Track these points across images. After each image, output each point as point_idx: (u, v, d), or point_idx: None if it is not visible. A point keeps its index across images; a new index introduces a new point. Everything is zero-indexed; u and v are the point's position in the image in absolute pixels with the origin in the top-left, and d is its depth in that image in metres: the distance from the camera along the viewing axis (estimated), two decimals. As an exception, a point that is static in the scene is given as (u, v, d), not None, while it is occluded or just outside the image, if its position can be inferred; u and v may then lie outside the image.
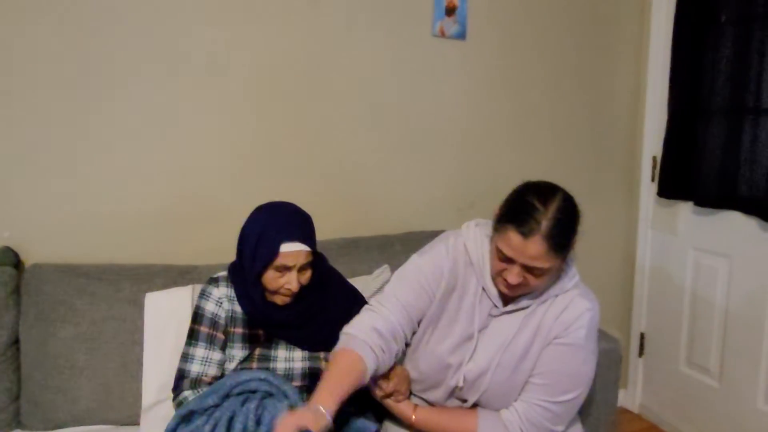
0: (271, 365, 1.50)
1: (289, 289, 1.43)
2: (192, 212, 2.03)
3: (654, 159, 2.63)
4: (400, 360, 1.54)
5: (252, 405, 1.33)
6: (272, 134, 2.11)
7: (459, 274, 1.43)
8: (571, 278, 1.39)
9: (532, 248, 1.21)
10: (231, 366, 1.49)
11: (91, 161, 1.90)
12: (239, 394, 1.38)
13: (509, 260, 1.26)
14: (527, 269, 1.25)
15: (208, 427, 1.32)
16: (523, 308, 1.38)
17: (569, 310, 1.35)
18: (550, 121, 2.56)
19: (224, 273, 1.56)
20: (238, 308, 1.52)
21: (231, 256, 1.55)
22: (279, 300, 1.47)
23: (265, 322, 1.51)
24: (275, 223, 1.43)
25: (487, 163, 2.46)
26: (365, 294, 1.72)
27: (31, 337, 1.69)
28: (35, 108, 1.82)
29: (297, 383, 1.49)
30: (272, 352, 1.51)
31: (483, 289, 1.40)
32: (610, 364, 1.77)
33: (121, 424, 1.71)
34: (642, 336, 2.77)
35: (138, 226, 1.97)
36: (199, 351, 1.50)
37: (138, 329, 1.72)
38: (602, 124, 2.67)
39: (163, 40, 1.93)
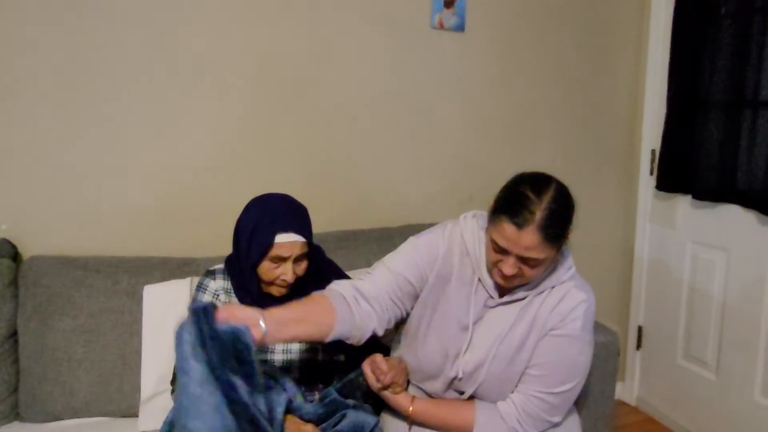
0: (269, 356, 1.50)
1: (284, 280, 1.43)
2: (190, 205, 2.03)
3: (653, 152, 2.63)
4: (393, 343, 1.55)
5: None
6: (270, 128, 2.10)
7: (454, 262, 1.43)
8: (567, 269, 1.39)
9: (526, 239, 1.21)
10: (229, 358, 1.49)
11: (90, 154, 1.89)
12: None
13: (504, 251, 1.26)
14: (522, 260, 1.25)
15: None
16: (519, 299, 1.38)
17: (565, 301, 1.36)
18: (549, 113, 2.55)
19: (221, 266, 1.56)
20: (234, 300, 1.52)
21: (229, 248, 1.55)
22: (275, 291, 1.47)
23: (262, 314, 1.51)
24: (270, 213, 1.43)
25: (486, 156, 2.45)
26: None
27: (29, 330, 1.69)
28: (33, 101, 1.82)
29: (295, 375, 1.50)
30: (270, 345, 1.51)
31: (479, 279, 1.40)
32: (607, 357, 1.77)
33: (120, 416, 1.72)
34: (640, 329, 2.77)
35: (136, 219, 1.97)
36: (197, 343, 1.51)
37: (136, 321, 1.73)
38: (601, 117, 2.67)
39: (162, 36, 1.92)
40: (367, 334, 1.39)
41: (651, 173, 2.65)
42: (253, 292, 1.47)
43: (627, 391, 2.84)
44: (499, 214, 1.25)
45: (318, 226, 1.52)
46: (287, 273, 1.43)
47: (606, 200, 2.75)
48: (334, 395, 1.44)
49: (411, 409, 1.42)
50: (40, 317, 1.69)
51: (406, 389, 1.50)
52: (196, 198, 2.03)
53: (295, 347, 1.53)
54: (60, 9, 1.80)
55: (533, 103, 2.51)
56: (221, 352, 1.11)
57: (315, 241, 1.57)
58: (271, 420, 1.31)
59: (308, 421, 1.40)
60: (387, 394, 1.45)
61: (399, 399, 1.44)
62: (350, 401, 1.46)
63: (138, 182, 1.96)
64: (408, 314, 1.49)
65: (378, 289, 1.40)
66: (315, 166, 2.18)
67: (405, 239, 1.51)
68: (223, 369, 1.11)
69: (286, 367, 1.51)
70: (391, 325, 1.46)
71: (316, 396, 1.51)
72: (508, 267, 1.26)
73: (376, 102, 2.24)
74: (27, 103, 1.81)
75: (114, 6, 1.85)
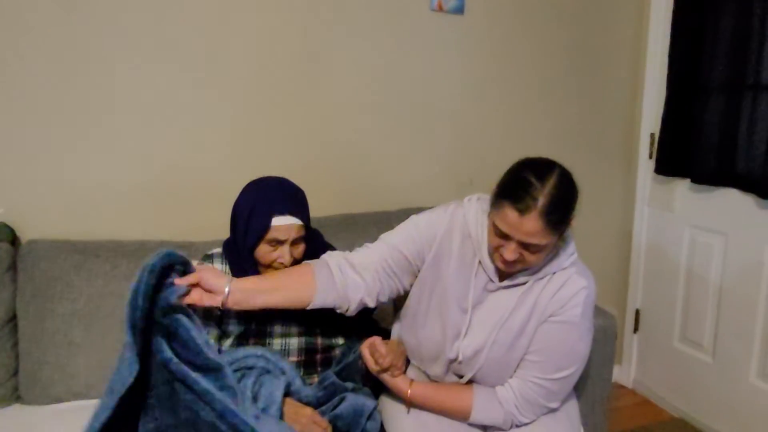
0: (268, 341, 1.51)
1: (282, 263, 1.43)
2: (189, 189, 2.02)
3: (652, 136, 2.62)
4: (386, 316, 1.55)
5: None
6: (269, 111, 2.09)
7: (454, 243, 1.43)
8: (569, 256, 1.38)
9: (529, 225, 1.21)
10: (227, 342, 1.49)
11: (88, 138, 1.88)
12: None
13: (506, 236, 1.25)
14: (523, 245, 1.25)
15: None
16: (519, 284, 1.38)
17: (566, 287, 1.36)
18: (549, 96, 2.54)
19: (218, 250, 1.56)
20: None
21: (227, 232, 1.54)
22: (273, 275, 1.47)
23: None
24: (267, 196, 1.43)
25: (485, 139, 2.44)
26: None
27: (29, 314, 1.69)
28: (30, 84, 1.80)
29: (293, 359, 1.51)
30: (268, 328, 1.52)
31: (479, 262, 1.40)
32: (605, 341, 1.78)
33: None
34: (637, 312, 2.79)
35: (135, 203, 1.96)
36: (196, 327, 1.51)
37: (135, 305, 1.72)
38: (601, 100, 2.65)
39: (160, 14, 1.90)
40: (354, 305, 1.41)
41: (650, 157, 2.64)
42: (250, 275, 1.46)
43: (624, 373, 2.86)
44: (502, 199, 1.25)
45: (317, 209, 1.51)
46: (284, 256, 1.43)
47: (605, 183, 2.74)
48: (333, 378, 1.45)
49: (409, 392, 1.43)
50: (40, 301, 1.69)
51: (405, 372, 1.50)
52: (194, 182, 2.03)
53: (294, 331, 1.53)
54: (55, -10, 1.78)
55: (532, 85, 2.50)
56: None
57: (314, 225, 1.57)
58: (270, 403, 1.32)
59: (307, 404, 1.41)
60: (386, 377, 1.45)
61: (397, 382, 1.45)
62: (349, 384, 1.47)
63: (137, 166, 1.95)
64: (406, 292, 1.50)
65: (369, 259, 1.42)
66: (313, 150, 2.17)
67: (405, 222, 1.51)
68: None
69: (285, 351, 1.51)
70: (385, 298, 1.46)
71: (315, 379, 1.52)
72: (510, 252, 1.26)
73: (374, 84, 2.22)
74: (24, 88, 1.79)
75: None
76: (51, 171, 1.86)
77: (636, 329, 2.80)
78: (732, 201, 2.29)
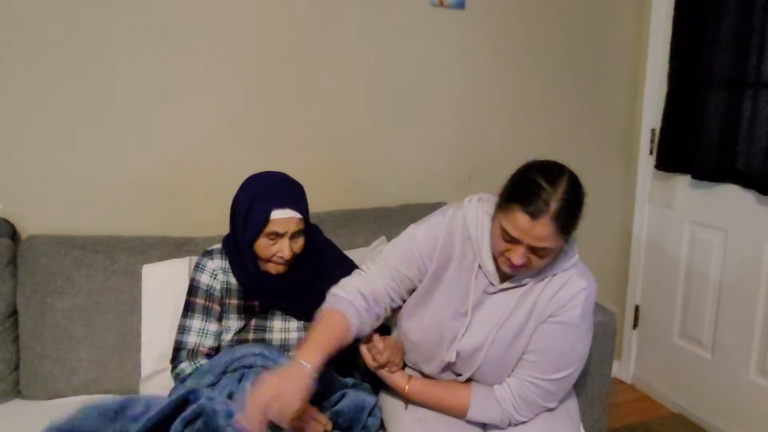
0: (267, 336, 1.51)
1: (281, 257, 1.44)
2: (189, 184, 2.02)
3: (652, 132, 2.62)
4: (391, 322, 1.56)
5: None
6: (269, 106, 2.08)
7: (455, 246, 1.42)
8: (571, 257, 1.37)
9: (540, 229, 1.19)
10: (228, 337, 1.50)
11: (88, 133, 1.88)
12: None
13: (514, 240, 1.23)
14: (532, 249, 1.23)
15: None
16: (520, 286, 1.36)
17: (565, 289, 1.34)
18: (550, 92, 2.53)
19: (218, 245, 1.57)
20: (232, 280, 1.53)
21: (227, 228, 1.55)
22: (272, 269, 1.47)
23: (259, 292, 1.52)
24: (266, 190, 1.44)
25: (486, 135, 2.44)
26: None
27: (29, 309, 1.70)
28: (30, 80, 1.80)
29: (293, 353, 1.50)
30: (268, 323, 1.52)
31: (479, 266, 1.39)
32: (605, 337, 1.78)
33: (120, 394, 1.73)
34: (637, 308, 2.79)
35: (134, 199, 1.96)
36: (196, 323, 1.52)
37: (135, 301, 1.73)
38: (602, 96, 2.65)
39: (159, 7, 1.89)
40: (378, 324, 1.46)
41: (650, 153, 2.64)
42: (250, 270, 1.47)
43: (623, 369, 2.86)
44: (511, 203, 1.22)
45: (317, 205, 1.51)
46: (284, 250, 1.43)
47: (605, 179, 2.74)
48: (332, 373, 1.45)
49: (407, 388, 1.43)
50: (40, 296, 1.69)
51: (402, 369, 1.50)
52: (194, 177, 2.03)
53: (294, 326, 1.53)
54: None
55: (533, 81, 2.49)
56: None
57: (314, 220, 1.57)
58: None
59: (306, 399, 1.41)
60: (383, 372, 1.45)
61: (395, 378, 1.45)
62: (348, 380, 1.48)
63: (137, 162, 1.95)
64: (405, 300, 1.50)
65: (377, 288, 1.43)
66: (314, 145, 2.17)
67: (404, 219, 1.51)
68: None
69: (284, 346, 1.51)
70: (389, 313, 1.49)
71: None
72: (518, 257, 1.23)
73: (375, 79, 2.22)
74: (23, 83, 1.79)
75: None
76: (51, 167, 1.86)
77: (635, 325, 2.80)
78: (732, 197, 2.29)
